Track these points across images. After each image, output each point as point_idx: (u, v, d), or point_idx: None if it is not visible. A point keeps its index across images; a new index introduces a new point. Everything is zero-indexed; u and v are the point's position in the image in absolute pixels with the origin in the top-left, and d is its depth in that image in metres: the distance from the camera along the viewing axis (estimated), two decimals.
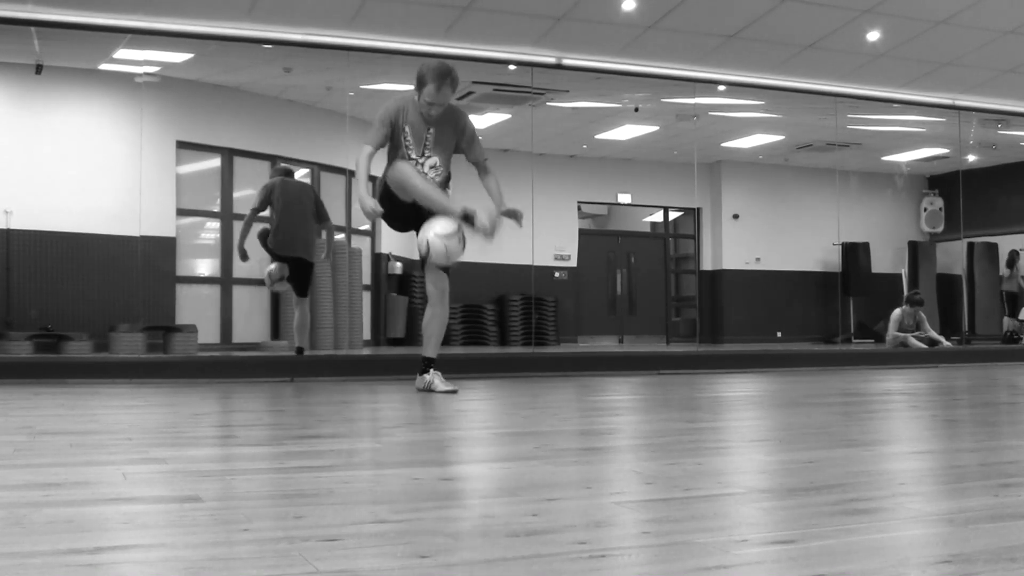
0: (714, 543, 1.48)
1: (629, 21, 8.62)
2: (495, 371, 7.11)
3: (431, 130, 4.94)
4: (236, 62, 9.63)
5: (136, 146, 9.21)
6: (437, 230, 4.62)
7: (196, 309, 9.87)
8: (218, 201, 10.36)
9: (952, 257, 14.49)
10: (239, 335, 10.17)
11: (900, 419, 3.89)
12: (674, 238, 15.64)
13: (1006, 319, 13.69)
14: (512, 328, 12.91)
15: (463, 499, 2.00)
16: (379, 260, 11.71)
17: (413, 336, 11.16)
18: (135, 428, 3.42)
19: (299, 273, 7.56)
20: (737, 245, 14.66)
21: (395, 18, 8.31)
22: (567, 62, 9.34)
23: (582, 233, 14.47)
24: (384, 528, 1.60)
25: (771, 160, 14.58)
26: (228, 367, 6.94)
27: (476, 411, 4.25)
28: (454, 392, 4.92)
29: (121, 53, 8.92)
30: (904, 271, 14.79)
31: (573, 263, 14.11)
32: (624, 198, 14.71)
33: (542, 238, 10.99)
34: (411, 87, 4.96)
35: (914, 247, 15.00)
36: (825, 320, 13.90)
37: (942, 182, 15.17)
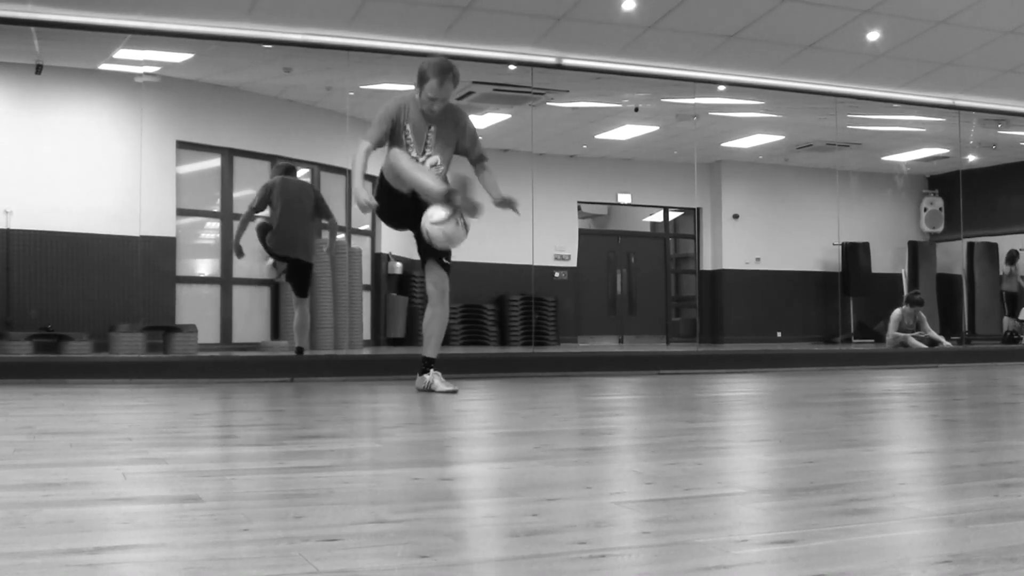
0: (714, 543, 1.48)
1: (629, 21, 8.62)
2: (495, 371, 7.11)
3: (432, 128, 4.95)
4: (236, 62, 9.63)
5: (136, 146, 9.22)
6: (433, 219, 4.66)
7: (196, 309, 9.87)
8: (218, 201, 10.37)
9: (952, 257, 14.49)
10: (239, 335, 10.17)
11: (900, 419, 3.89)
12: (674, 238, 15.64)
13: (1006, 319, 13.69)
14: (512, 328, 12.91)
15: (463, 499, 2.00)
16: (379, 260, 11.71)
17: (413, 336, 11.17)
18: (135, 428, 3.42)
19: (297, 273, 7.56)
20: (737, 245, 14.66)
21: (395, 18, 8.31)
22: (567, 62, 9.34)
23: (582, 233, 14.47)
24: (384, 528, 1.60)
25: (771, 160, 14.58)
26: (228, 367, 6.94)
27: (476, 411, 4.25)
28: (454, 392, 4.92)
29: (121, 53, 8.92)
30: (904, 271, 14.79)
31: (573, 263, 14.11)
32: (624, 198, 14.71)
33: (542, 238, 10.98)
34: (411, 87, 4.98)
35: (914, 247, 15.00)
36: (825, 320, 13.90)
37: (942, 182, 15.17)
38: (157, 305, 9.45)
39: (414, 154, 4.92)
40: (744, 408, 4.42)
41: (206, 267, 10.51)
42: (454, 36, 8.57)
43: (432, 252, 4.96)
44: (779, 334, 14.15)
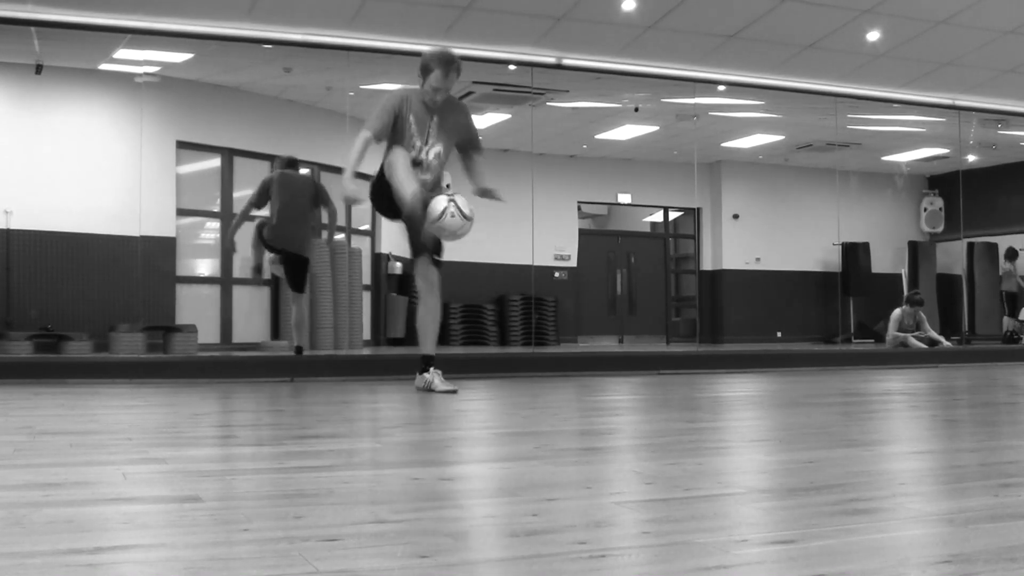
0: (714, 543, 1.48)
1: (629, 21, 8.62)
2: (495, 371, 7.11)
3: (434, 118, 5.01)
4: (236, 62, 9.63)
5: (136, 146, 9.22)
6: (430, 218, 4.74)
7: (196, 309, 9.87)
8: (218, 201, 10.37)
9: (952, 257, 14.49)
10: (239, 335, 10.17)
11: (900, 419, 3.89)
12: (674, 238, 15.64)
13: (1006, 319, 13.69)
14: (512, 328, 12.91)
15: (463, 499, 2.00)
16: (379, 260, 11.71)
17: (413, 336, 11.06)
18: (135, 428, 3.41)
19: (294, 268, 7.51)
20: (737, 245, 14.66)
21: (395, 18, 8.31)
22: (567, 62, 9.34)
23: (582, 233, 14.47)
24: (384, 528, 1.60)
25: (771, 160, 14.58)
26: (228, 367, 6.94)
27: (476, 411, 4.25)
28: (454, 392, 4.92)
29: (121, 53, 8.92)
30: (904, 271, 14.79)
31: (573, 263, 14.11)
32: (624, 198, 14.71)
33: (542, 238, 10.99)
34: (411, 87, 5.01)
35: (914, 247, 15.01)
36: (825, 320, 13.90)
37: (942, 182, 15.17)
38: (157, 305, 9.46)
39: (418, 143, 4.96)
40: (744, 408, 4.42)
41: (206, 267, 10.51)
42: (454, 36, 8.57)
43: (423, 247, 5.00)
44: (779, 334, 14.16)
